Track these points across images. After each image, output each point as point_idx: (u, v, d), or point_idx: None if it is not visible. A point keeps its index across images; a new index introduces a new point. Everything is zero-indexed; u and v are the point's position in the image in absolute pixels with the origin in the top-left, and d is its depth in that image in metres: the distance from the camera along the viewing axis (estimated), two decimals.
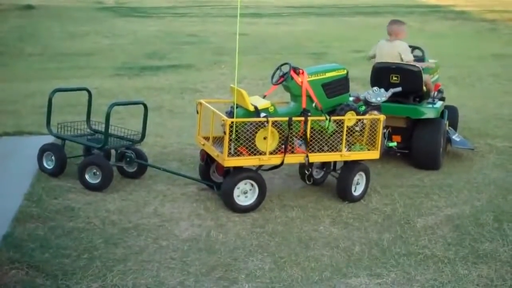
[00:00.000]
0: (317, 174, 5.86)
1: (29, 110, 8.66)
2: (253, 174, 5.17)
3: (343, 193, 5.45)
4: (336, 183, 5.55)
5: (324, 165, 5.79)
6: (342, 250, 4.54)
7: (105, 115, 5.45)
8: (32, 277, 3.96)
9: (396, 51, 6.45)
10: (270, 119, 4.97)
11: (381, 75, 6.42)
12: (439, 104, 6.55)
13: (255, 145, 5.01)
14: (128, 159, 5.73)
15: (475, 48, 16.12)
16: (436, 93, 6.73)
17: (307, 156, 5.18)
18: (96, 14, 24.93)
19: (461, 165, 6.62)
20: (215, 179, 5.56)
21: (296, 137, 5.25)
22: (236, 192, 5.08)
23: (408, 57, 6.45)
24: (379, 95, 5.78)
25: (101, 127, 5.99)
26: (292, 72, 5.31)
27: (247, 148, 5.02)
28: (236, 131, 4.97)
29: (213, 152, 5.17)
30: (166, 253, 4.40)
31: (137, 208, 5.18)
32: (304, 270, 4.23)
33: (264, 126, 4.98)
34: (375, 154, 5.46)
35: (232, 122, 4.94)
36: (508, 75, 12.21)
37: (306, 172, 5.45)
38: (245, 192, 5.13)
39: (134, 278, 4.02)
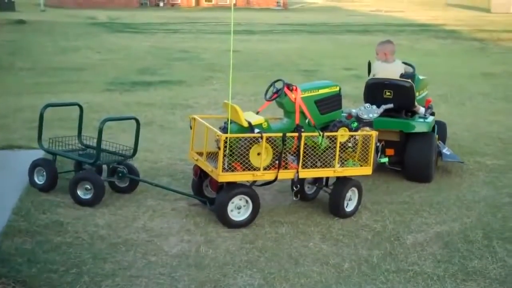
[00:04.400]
0: (309, 189, 5.87)
1: (19, 125, 8.62)
2: (247, 189, 5.16)
3: (336, 209, 5.45)
4: (328, 198, 5.55)
5: (316, 181, 5.80)
6: (332, 267, 4.53)
7: (97, 130, 5.44)
8: None
9: (397, 71, 6.64)
10: (264, 135, 4.99)
11: (375, 90, 6.55)
12: (430, 118, 6.68)
13: (249, 161, 5.01)
14: (120, 174, 5.72)
15: (465, 67, 16.27)
16: (426, 108, 6.85)
17: (297, 172, 5.18)
18: (88, 30, 24.99)
19: (451, 182, 6.64)
20: (208, 194, 5.55)
21: (289, 153, 5.25)
22: (230, 207, 5.06)
23: (404, 71, 6.73)
24: (371, 112, 5.84)
25: (93, 142, 5.98)
26: (285, 89, 5.34)
27: (241, 163, 5.02)
28: (230, 146, 4.96)
29: (207, 167, 5.15)
30: (155, 269, 4.37)
31: (126, 223, 5.15)
32: (294, 287, 4.21)
33: (258, 142, 5.00)
34: (367, 170, 5.48)
35: (226, 138, 4.94)
36: (497, 93, 12.32)
37: (295, 188, 5.43)
38: (239, 208, 5.12)
39: None
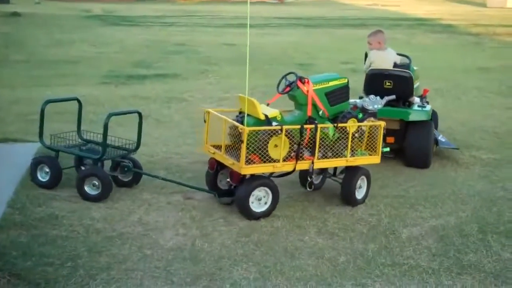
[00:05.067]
0: (316, 179, 5.93)
1: (14, 118, 8.60)
2: (268, 181, 5.26)
3: (348, 197, 5.59)
4: (340, 188, 5.66)
5: (323, 171, 5.88)
6: (327, 260, 4.53)
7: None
8: (14, 285, 3.92)
9: (391, 58, 7.00)
10: (284, 127, 5.07)
11: (375, 81, 6.83)
12: (428, 107, 6.94)
13: (267, 153, 5.09)
14: (126, 169, 5.70)
15: (460, 61, 16.28)
16: (422, 98, 7.10)
17: (312, 162, 5.28)
18: (83, 22, 24.88)
19: (446, 176, 6.66)
20: (222, 187, 5.60)
21: (301, 144, 5.31)
22: (251, 199, 5.13)
23: (399, 61, 7.09)
24: (376, 103, 5.97)
25: (93, 137, 5.95)
26: (298, 82, 5.44)
27: (259, 156, 5.09)
28: (248, 139, 5.00)
29: (227, 160, 5.20)
30: (151, 262, 4.37)
31: (122, 217, 5.15)
32: (289, 280, 4.22)
33: (277, 134, 5.07)
34: (376, 159, 5.65)
35: (248, 131, 4.98)
36: (492, 88, 12.34)
37: (309, 178, 5.45)
38: (259, 199, 5.20)
39: (117, 287, 3.98)
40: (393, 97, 6.59)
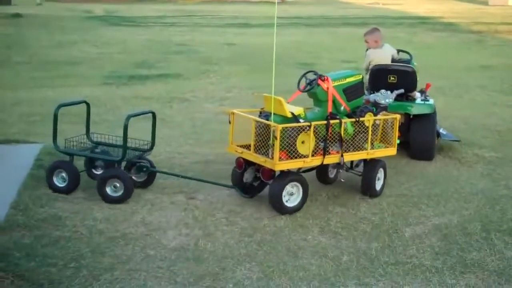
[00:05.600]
0: (331, 173, 6.10)
1: (16, 119, 8.60)
2: (299, 176, 5.42)
3: (368, 189, 5.78)
4: (361, 180, 5.84)
5: (337, 165, 5.93)
6: (331, 260, 4.53)
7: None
8: (18, 286, 3.92)
9: (389, 54, 7.24)
10: (313, 124, 5.24)
11: (379, 76, 7.00)
12: (431, 101, 7.16)
13: (296, 149, 5.22)
14: (144, 169, 5.70)
15: (462, 60, 16.26)
16: (422, 92, 7.29)
17: (342, 155, 5.48)
18: (85, 23, 24.90)
19: (449, 175, 6.65)
20: (246, 183, 5.69)
21: (321, 140, 5.42)
22: (284, 194, 5.27)
23: (397, 56, 7.38)
24: (387, 97, 6.22)
25: (101, 139, 5.94)
26: (318, 79, 5.61)
27: (287, 152, 5.20)
28: (275, 136, 5.15)
29: (258, 158, 5.30)
30: (154, 262, 4.37)
31: (125, 217, 5.15)
32: (292, 280, 4.22)
33: (305, 130, 5.22)
34: (392, 151, 5.92)
35: (275, 128, 5.11)
36: (494, 86, 12.32)
37: (340, 171, 5.81)
38: (291, 194, 5.34)
39: (121, 287, 3.99)
40: (401, 91, 6.77)
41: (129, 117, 5.42)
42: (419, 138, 6.96)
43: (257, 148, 5.36)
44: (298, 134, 5.23)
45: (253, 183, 5.64)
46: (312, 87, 5.59)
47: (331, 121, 5.41)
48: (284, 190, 5.26)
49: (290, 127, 5.19)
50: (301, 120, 5.33)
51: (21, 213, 5.05)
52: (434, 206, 5.66)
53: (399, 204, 5.68)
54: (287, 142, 5.18)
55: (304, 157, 5.29)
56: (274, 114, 5.34)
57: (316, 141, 5.37)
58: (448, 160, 7.17)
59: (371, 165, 5.82)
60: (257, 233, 4.95)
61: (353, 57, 15.04)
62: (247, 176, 5.62)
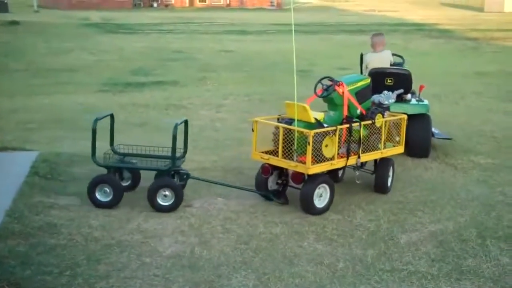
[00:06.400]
0: (339, 174, 6.35)
1: (12, 126, 8.60)
2: (327, 178, 5.64)
3: (382, 187, 6.09)
4: (374, 179, 6.11)
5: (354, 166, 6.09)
6: (326, 267, 4.53)
7: (171, 135, 5.39)
8: None
9: (387, 59, 7.61)
10: (338, 127, 5.49)
11: (377, 79, 7.17)
12: (426, 102, 7.53)
13: (321, 153, 5.41)
14: (185, 177, 5.73)
15: (458, 66, 16.32)
16: (411, 94, 7.55)
17: (359, 157, 5.71)
18: (82, 30, 24.93)
19: (445, 181, 6.66)
20: (271, 188, 5.82)
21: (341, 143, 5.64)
22: (314, 196, 5.47)
23: (393, 61, 7.72)
24: (389, 98, 6.55)
25: (129, 150, 5.90)
26: (331, 83, 5.83)
27: (314, 156, 5.34)
28: (300, 142, 5.39)
29: (288, 164, 5.49)
30: (149, 270, 4.36)
31: (120, 224, 5.14)
32: (288, 287, 4.21)
33: (329, 135, 5.46)
34: (401, 149, 6.25)
35: (308, 134, 5.28)
36: (490, 92, 12.36)
37: (357, 172, 5.93)
38: (320, 195, 5.54)
39: None
40: (401, 91, 7.13)
41: (176, 126, 5.45)
42: (416, 137, 7.25)
43: (277, 153, 5.56)
44: (323, 138, 5.41)
45: (278, 188, 5.82)
46: (330, 93, 5.76)
47: (353, 125, 5.64)
48: (315, 192, 5.43)
49: (316, 132, 5.34)
50: (325, 125, 5.55)
51: (17, 221, 5.03)
52: (430, 213, 5.66)
53: (395, 211, 5.68)
54: (314, 146, 5.35)
55: (329, 160, 5.48)
56: (294, 120, 5.54)
57: (338, 144, 5.58)
58: (444, 166, 7.18)
59: (383, 164, 6.11)
60: (253, 240, 4.94)
61: (349, 64, 15.06)
62: (272, 182, 5.78)
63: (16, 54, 16.98)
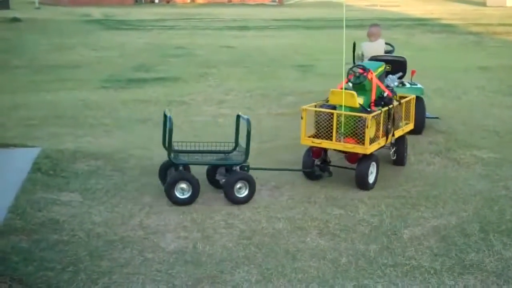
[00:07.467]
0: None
1: (14, 123, 8.59)
2: (377, 157, 6.24)
3: (401, 161, 6.84)
4: (392, 155, 6.70)
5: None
6: (329, 262, 4.52)
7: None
8: None
9: (381, 48, 8.39)
10: (383, 110, 6.14)
11: None
12: (420, 85, 8.25)
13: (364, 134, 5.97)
14: (246, 169, 5.79)
15: (460, 61, 16.25)
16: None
17: (393, 134, 6.42)
18: (83, 27, 24.90)
19: (447, 176, 6.65)
20: (317, 171, 6.35)
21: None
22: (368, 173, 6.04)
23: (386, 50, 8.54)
24: (394, 81, 7.26)
25: (183, 147, 5.94)
26: (361, 71, 6.32)
27: (363, 137, 5.91)
28: (348, 124, 5.98)
29: (345, 145, 6.04)
30: (152, 266, 4.37)
31: (123, 220, 5.14)
32: (291, 282, 4.21)
33: (377, 117, 6.07)
34: (412, 126, 7.01)
35: (367, 118, 5.87)
36: (493, 87, 12.31)
37: (392, 148, 6.62)
38: (371, 173, 6.10)
39: None
40: (400, 74, 7.79)
41: (249, 121, 5.63)
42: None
43: (321, 136, 6.11)
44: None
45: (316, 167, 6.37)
46: (362, 80, 6.26)
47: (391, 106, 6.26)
48: (369, 170, 5.99)
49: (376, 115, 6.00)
50: (369, 109, 6.12)
51: (19, 217, 5.04)
52: (432, 208, 5.65)
53: (397, 206, 5.67)
54: (361, 129, 5.92)
55: (374, 140, 6.05)
56: (340, 106, 6.10)
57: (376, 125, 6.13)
58: (446, 161, 7.16)
59: (402, 140, 6.80)
60: (255, 235, 4.94)
61: (351, 59, 15.04)
62: (318, 162, 6.34)
63: (17, 50, 16.96)
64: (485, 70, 14.57)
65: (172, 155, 5.62)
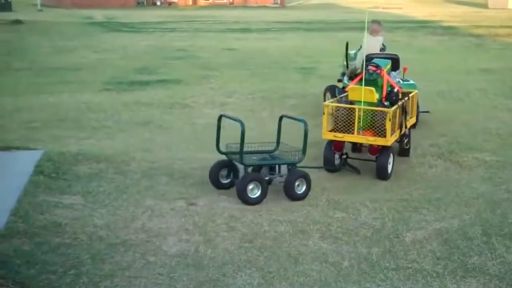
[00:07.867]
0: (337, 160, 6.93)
1: (16, 125, 8.60)
2: (393, 148, 6.72)
3: (408, 152, 7.32)
4: (400, 145, 7.15)
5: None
6: (331, 265, 4.52)
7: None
8: None
9: (379, 44, 8.92)
10: (399, 105, 6.63)
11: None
12: (412, 81, 8.70)
13: (384, 127, 6.40)
14: (293, 167, 6.00)
15: (462, 63, 16.24)
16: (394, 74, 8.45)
17: (405, 126, 6.94)
18: (85, 29, 24.94)
19: (449, 179, 6.64)
20: (337, 165, 6.73)
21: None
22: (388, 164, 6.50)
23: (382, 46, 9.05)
24: (396, 77, 7.78)
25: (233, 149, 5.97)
26: (374, 69, 6.72)
27: (382, 129, 6.34)
28: (367, 118, 6.43)
29: (367, 138, 6.49)
30: (154, 269, 4.36)
31: (125, 224, 5.14)
32: (293, 285, 4.21)
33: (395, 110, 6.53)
34: (414, 120, 7.57)
35: (388, 112, 6.33)
36: (495, 89, 12.29)
37: (405, 139, 7.13)
38: (389, 163, 6.52)
39: None
40: (398, 71, 8.38)
41: (306, 123, 5.90)
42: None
43: (339, 131, 6.49)
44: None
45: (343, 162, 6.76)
46: (376, 77, 6.68)
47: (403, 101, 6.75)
48: (388, 160, 6.43)
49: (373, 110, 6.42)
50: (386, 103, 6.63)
51: (21, 220, 5.04)
52: (434, 211, 5.64)
53: (399, 209, 5.66)
54: (383, 122, 6.33)
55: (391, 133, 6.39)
56: (358, 101, 6.50)
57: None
58: (448, 164, 7.15)
59: (408, 133, 7.17)
60: (257, 238, 4.94)
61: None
62: (337, 156, 6.70)
63: (19, 53, 16.99)
64: (487, 73, 14.55)
65: (243, 157, 5.80)
